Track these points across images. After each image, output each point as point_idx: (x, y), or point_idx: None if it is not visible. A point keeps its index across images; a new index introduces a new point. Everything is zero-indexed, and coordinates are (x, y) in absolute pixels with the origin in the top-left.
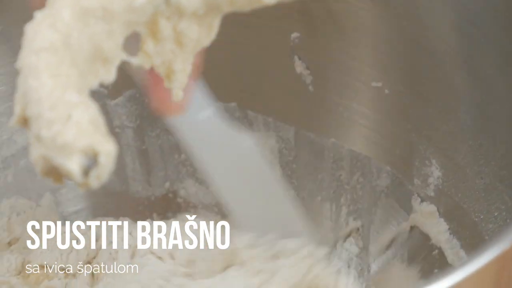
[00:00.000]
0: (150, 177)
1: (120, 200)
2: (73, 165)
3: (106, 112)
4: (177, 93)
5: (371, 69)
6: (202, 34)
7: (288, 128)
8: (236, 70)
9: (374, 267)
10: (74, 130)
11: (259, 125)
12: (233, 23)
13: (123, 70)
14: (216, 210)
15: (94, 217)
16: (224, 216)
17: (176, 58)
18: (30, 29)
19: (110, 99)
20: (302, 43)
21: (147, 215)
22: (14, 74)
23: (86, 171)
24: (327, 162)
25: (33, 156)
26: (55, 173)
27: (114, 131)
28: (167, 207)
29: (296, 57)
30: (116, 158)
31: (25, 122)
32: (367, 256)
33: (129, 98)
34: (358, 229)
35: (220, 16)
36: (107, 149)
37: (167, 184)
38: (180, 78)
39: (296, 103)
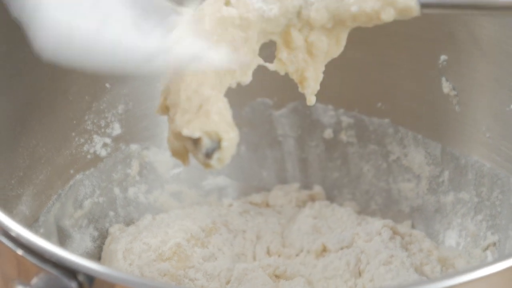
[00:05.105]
0: (307, 184)
1: None
2: (197, 134)
3: (270, 121)
4: (310, 99)
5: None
6: (331, 47)
7: (436, 145)
8: (389, 89)
9: None
10: (202, 119)
11: (409, 140)
12: (384, 45)
13: (288, 83)
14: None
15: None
16: None
17: (308, 67)
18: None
19: (275, 109)
20: (449, 65)
21: None
22: None
23: (209, 154)
24: (470, 178)
25: (168, 137)
26: (183, 153)
27: (277, 139)
28: None
29: (443, 78)
30: (278, 163)
31: (166, 110)
32: None
33: (292, 110)
34: (495, 244)
35: (347, 31)
36: (230, 136)
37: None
38: (312, 85)
39: (443, 121)
